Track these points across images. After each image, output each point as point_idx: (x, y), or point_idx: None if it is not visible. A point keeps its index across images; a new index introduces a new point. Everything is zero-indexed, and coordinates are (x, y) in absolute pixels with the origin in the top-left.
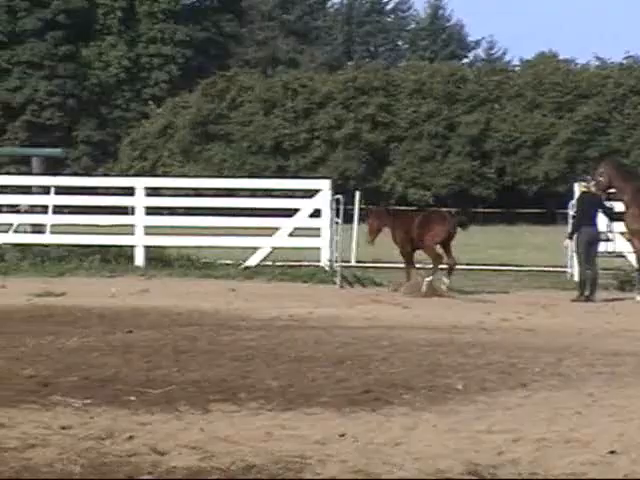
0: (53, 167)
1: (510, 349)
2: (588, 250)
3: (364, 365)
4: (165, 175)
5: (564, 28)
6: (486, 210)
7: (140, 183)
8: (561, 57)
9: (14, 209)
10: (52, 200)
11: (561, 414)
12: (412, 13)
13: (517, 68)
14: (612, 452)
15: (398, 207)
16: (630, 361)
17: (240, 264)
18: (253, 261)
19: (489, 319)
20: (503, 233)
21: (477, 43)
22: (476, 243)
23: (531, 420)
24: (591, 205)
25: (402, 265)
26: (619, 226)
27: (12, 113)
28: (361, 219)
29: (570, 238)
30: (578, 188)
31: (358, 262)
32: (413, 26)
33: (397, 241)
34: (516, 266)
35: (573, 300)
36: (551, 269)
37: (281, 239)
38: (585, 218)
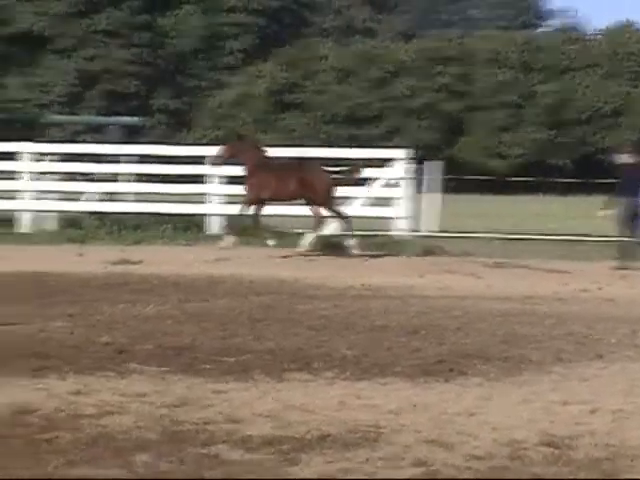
0: (130, 135)
1: (587, 320)
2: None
3: (438, 335)
4: None
5: None
6: (564, 180)
7: (214, 151)
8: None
9: (91, 177)
10: (128, 168)
11: (638, 385)
12: None
13: (594, 37)
14: None
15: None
16: None
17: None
18: (328, 231)
19: (565, 289)
20: (583, 203)
21: (553, 12)
22: (554, 213)
23: (607, 391)
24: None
25: (478, 234)
26: None
27: (89, 82)
28: (437, 189)
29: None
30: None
31: (433, 231)
32: None
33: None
34: (595, 236)
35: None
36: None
37: (356, 208)
38: (626, 189)
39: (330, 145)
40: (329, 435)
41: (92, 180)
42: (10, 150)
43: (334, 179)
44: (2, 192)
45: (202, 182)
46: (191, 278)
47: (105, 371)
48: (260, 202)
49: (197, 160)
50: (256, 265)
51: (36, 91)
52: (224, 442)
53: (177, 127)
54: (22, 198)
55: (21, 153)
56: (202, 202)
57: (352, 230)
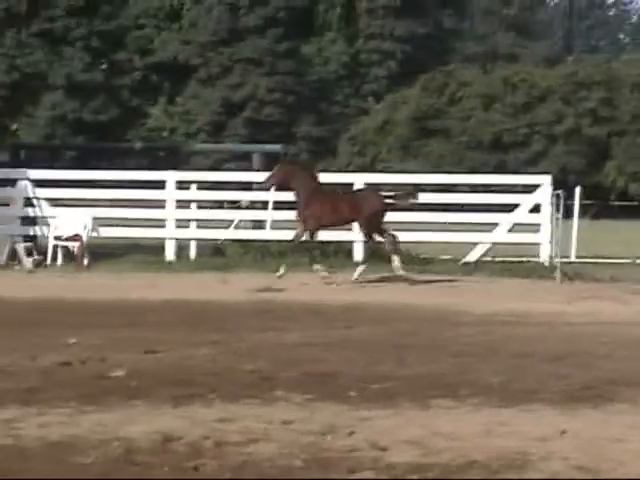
0: (273, 163)
1: None
2: None
3: (585, 361)
4: (384, 171)
5: None
6: None
7: (360, 179)
8: None
9: (235, 205)
10: (272, 196)
11: None
12: (634, 6)
13: None
14: None
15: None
16: None
17: (459, 260)
18: (473, 256)
19: None
20: None
21: None
22: None
23: None
24: None
25: (623, 260)
26: None
27: (233, 110)
28: (582, 214)
29: None
30: None
31: (578, 257)
32: (635, 19)
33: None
34: None
35: None
36: None
37: (500, 234)
38: None
39: (475, 171)
40: (475, 462)
41: (237, 208)
42: (155, 179)
43: (387, 204)
44: (149, 220)
45: None
46: (334, 305)
47: (250, 398)
48: (318, 229)
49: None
50: (392, 292)
51: (180, 120)
52: (370, 469)
53: (320, 154)
54: (168, 226)
55: (166, 181)
56: (349, 230)
57: (399, 252)
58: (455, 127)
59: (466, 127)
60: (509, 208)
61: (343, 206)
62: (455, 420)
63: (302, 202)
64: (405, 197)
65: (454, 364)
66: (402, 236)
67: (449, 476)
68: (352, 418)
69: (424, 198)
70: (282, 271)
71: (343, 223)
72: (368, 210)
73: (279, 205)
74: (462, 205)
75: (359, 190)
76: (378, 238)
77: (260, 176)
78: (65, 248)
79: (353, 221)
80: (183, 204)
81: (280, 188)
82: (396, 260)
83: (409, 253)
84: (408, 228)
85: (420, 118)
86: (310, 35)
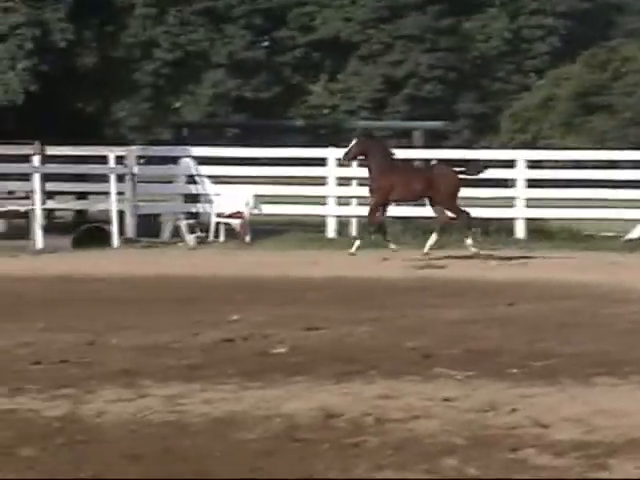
0: (434, 140)
1: None
2: None
3: None
4: (546, 147)
5: None
6: None
7: (521, 155)
8: None
9: None
10: None
11: None
12: None
13: None
14: None
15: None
16: None
17: (622, 237)
18: (635, 234)
19: None
20: None
21: None
22: None
23: None
24: None
25: None
26: None
27: (394, 87)
28: None
29: None
30: None
31: None
32: None
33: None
34: None
35: None
36: None
37: None
38: None
39: (639, 148)
40: (638, 440)
41: None
42: (316, 156)
43: (460, 179)
44: (310, 197)
45: (509, 186)
46: (496, 283)
47: (411, 375)
48: (387, 204)
49: (504, 164)
50: (554, 269)
51: (341, 97)
52: (532, 447)
53: (482, 131)
54: (328, 203)
55: (327, 158)
56: (509, 206)
57: (472, 229)
58: (618, 103)
59: (630, 103)
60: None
61: (416, 181)
62: (618, 398)
63: (374, 176)
64: (474, 169)
65: (618, 342)
66: (564, 213)
67: (612, 455)
68: (514, 395)
69: (586, 175)
70: (354, 248)
71: (416, 198)
72: (443, 186)
73: None
74: (624, 182)
75: (433, 166)
76: (450, 214)
77: (422, 153)
78: (227, 225)
79: (427, 196)
80: (344, 181)
81: (360, 164)
82: (470, 237)
83: (571, 230)
84: (570, 205)
85: (583, 94)
86: (472, 11)
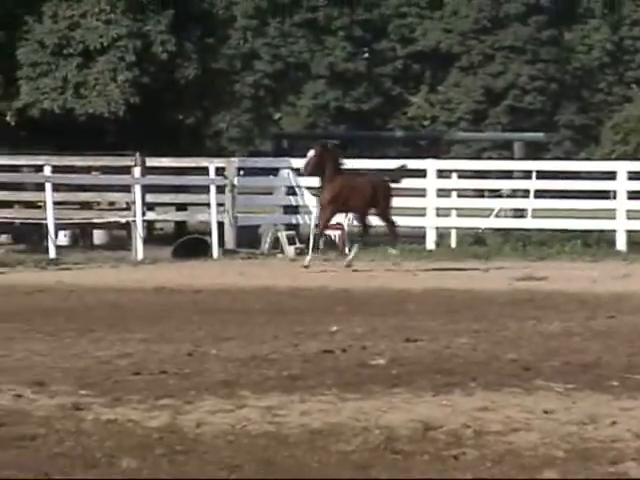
0: (534, 152)
1: None
2: None
3: None
4: None
5: None
6: None
7: (622, 167)
8: None
9: (496, 194)
10: (534, 184)
11: None
12: None
13: None
14: None
15: None
16: None
17: None
18: None
19: None
20: None
21: None
22: None
23: None
24: None
25: None
26: None
27: (494, 98)
28: None
29: None
30: None
31: None
32: None
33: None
34: None
35: None
36: None
37: None
38: None
39: None
40: None
41: (498, 196)
42: (416, 167)
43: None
44: (409, 208)
45: (610, 198)
46: (597, 295)
47: (511, 387)
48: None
49: (605, 176)
50: None
51: (441, 108)
52: (632, 460)
53: (583, 143)
54: (428, 215)
55: (427, 170)
56: (610, 218)
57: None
58: None
59: None
60: None
61: (365, 192)
62: None
63: (327, 188)
64: (396, 177)
65: None
66: None
67: None
68: (614, 408)
69: None
70: (353, 253)
71: (365, 210)
72: (384, 195)
73: (540, 194)
74: None
75: (372, 175)
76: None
77: (521, 165)
78: (326, 236)
79: (371, 207)
80: (443, 192)
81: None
82: (395, 248)
83: None
84: None
85: None
86: (573, 22)
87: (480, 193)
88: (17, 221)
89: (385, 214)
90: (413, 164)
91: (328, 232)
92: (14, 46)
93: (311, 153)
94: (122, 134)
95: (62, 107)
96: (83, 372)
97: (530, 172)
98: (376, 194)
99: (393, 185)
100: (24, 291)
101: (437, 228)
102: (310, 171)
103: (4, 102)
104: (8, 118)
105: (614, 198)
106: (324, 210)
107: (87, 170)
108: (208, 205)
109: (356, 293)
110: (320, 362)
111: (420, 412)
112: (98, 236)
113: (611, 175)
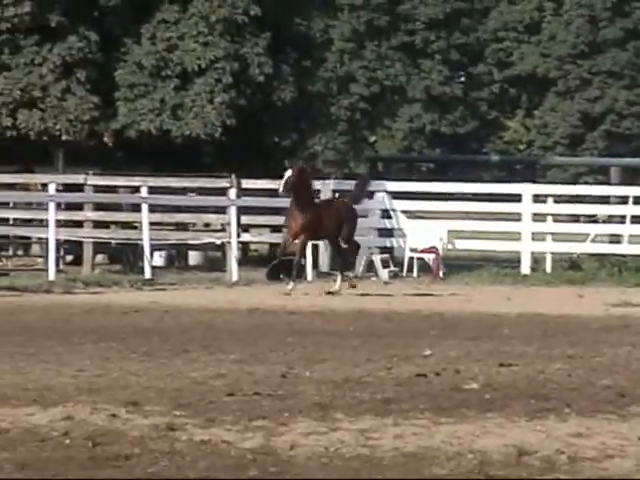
0: (631, 177)
1: None
2: None
3: None
4: None
5: None
6: None
7: None
8: None
9: (592, 219)
10: (630, 210)
11: None
12: None
13: None
14: None
15: None
16: None
17: None
18: None
19: None
20: None
21: None
22: None
23: None
24: None
25: None
26: None
27: (591, 123)
28: None
29: None
30: None
31: None
32: None
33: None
34: None
35: None
36: None
37: None
38: None
39: None
40: None
41: (594, 222)
42: (511, 192)
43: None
44: (504, 233)
45: None
46: None
47: (605, 414)
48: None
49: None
50: None
51: (538, 132)
52: None
53: None
54: (523, 240)
55: (522, 194)
56: None
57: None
58: None
59: None
60: None
61: (331, 219)
62: None
63: (300, 211)
64: (359, 195)
65: None
66: None
67: None
68: None
69: None
70: (338, 283)
71: (333, 236)
72: (351, 220)
73: (637, 219)
74: None
75: (337, 200)
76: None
77: (618, 190)
78: (421, 260)
79: (339, 232)
80: (539, 217)
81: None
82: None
83: None
84: None
85: None
86: None
87: (576, 218)
88: (113, 241)
89: (348, 238)
90: (508, 188)
91: (423, 256)
92: (112, 68)
93: (289, 173)
94: (218, 155)
95: (159, 128)
96: (177, 392)
97: (627, 197)
98: (342, 219)
99: (359, 205)
100: (120, 311)
101: (532, 253)
102: (289, 190)
103: (102, 123)
104: (106, 139)
105: None
106: (299, 238)
107: (183, 191)
108: None
109: (450, 317)
110: (413, 386)
111: (514, 437)
112: (193, 257)
113: None
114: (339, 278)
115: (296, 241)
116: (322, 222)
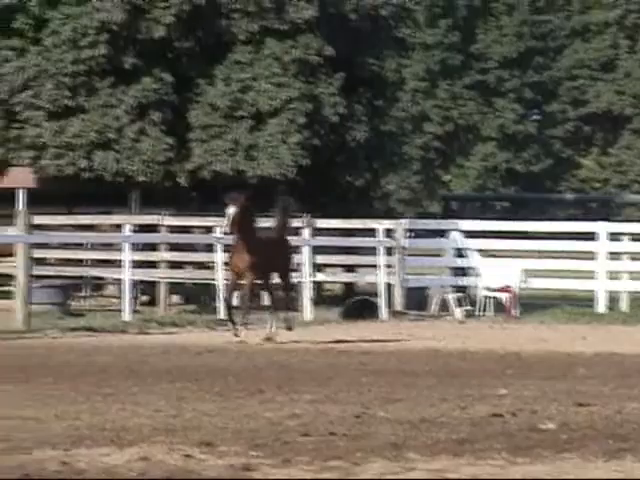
0: None
1: None
2: None
3: None
4: None
5: None
6: None
7: None
8: None
9: None
10: None
11: None
12: None
13: None
14: None
15: None
16: None
17: None
18: None
19: None
20: None
21: None
22: None
23: None
24: None
25: None
26: None
27: None
28: None
29: None
30: None
31: None
32: None
33: None
34: None
35: None
36: None
37: None
38: None
39: None
40: None
41: None
42: (586, 230)
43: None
44: (579, 272)
45: None
46: None
47: None
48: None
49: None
50: None
51: (613, 171)
52: None
53: None
54: (599, 278)
55: (597, 233)
56: None
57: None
58: None
59: None
60: None
61: (273, 252)
62: None
63: (248, 249)
64: (281, 224)
65: None
66: None
67: None
68: None
69: None
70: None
71: (274, 272)
72: (289, 255)
73: None
74: None
75: (268, 234)
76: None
77: None
78: (495, 299)
79: (281, 268)
80: (615, 255)
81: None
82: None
83: None
84: None
85: None
86: None
87: None
88: (188, 282)
89: (286, 276)
90: (583, 227)
91: (497, 295)
92: (186, 109)
93: (232, 210)
94: (292, 195)
95: (233, 169)
96: (253, 433)
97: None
98: (280, 253)
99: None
100: (194, 351)
101: (608, 291)
102: (235, 229)
103: (176, 164)
104: (181, 180)
105: None
106: (246, 277)
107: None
108: (376, 267)
109: (525, 356)
110: (489, 425)
111: (591, 478)
112: (267, 297)
113: None
114: (273, 322)
115: (243, 280)
116: (266, 259)
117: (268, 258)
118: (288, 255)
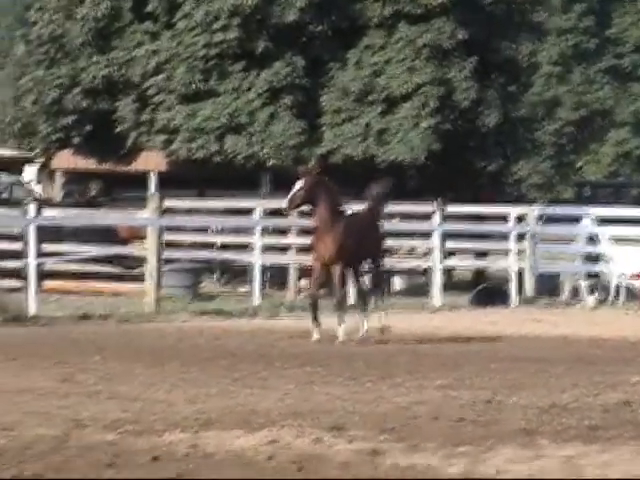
0: None
1: None
2: None
3: None
4: None
5: None
6: None
7: None
8: None
9: None
10: None
11: None
12: None
13: None
14: None
15: None
16: None
17: None
18: None
19: None
20: None
21: None
22: None
23: None
24: None
25: None
26: None
27: None
28: None
29: None
30: None
31: None
32: None
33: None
34: None
35: None
36: None
37: None
38: None
39: None
40: None
41: None
42: None
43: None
44: None
45: None
46: None
47: None
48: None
49: None
50: None
51: None
52: None
53: None
54: None
55: None
56: None
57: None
58: None
59: None
60: None
61: (370, 235)
62: None
63: (324, 230)
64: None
65: None
66: None
67: None
68: None
69: None
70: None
71: (367, 258)
72: (382, 239)
73: None
74: None
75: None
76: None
77: None
78: (629, 286)
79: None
80: None
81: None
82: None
83: None
84: None
85: None
86: None
87: None
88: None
89: (378, 264)
90: None
91: (631, 282)
92: (318, 93)
93: (298, 185)
94: (423, 180)
95: (364, 153)
96: (382, 417)
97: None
98: (370, 237)
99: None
100: (324, 336)
101: None
102: (296, 206)
103: (307, 148)
104: (311, 164)
105: None
106: (333, 266)
107: (388, 216)
108: (508, 252)
109: None
110: (621, 413)
111: None
112: (398, 282)
113: None
114: (365, 319)
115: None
116: (359, 241)
117: (356, 242)
118: (379, 240)
